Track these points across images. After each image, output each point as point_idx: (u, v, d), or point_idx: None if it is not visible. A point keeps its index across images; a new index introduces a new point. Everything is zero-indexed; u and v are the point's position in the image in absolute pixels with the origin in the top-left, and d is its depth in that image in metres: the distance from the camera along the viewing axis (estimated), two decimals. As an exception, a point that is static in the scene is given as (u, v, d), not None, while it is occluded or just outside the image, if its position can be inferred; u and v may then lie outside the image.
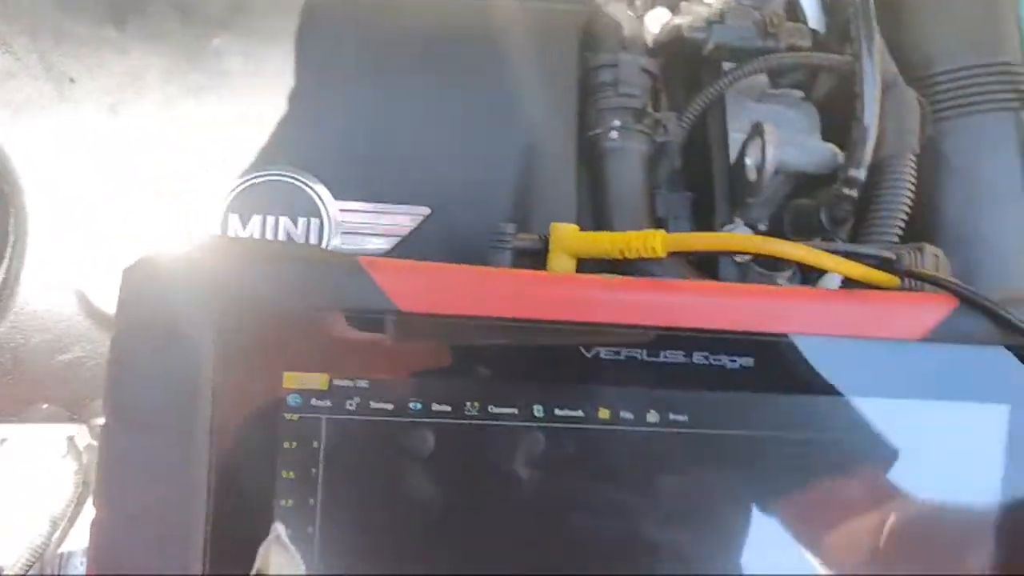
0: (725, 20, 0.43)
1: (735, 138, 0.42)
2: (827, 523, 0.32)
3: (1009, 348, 0.32)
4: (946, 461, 0.32)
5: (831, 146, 0.43)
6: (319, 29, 0.37)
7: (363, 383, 0.30)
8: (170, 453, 0.29)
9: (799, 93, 0.45)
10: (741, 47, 0.43)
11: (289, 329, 0.30)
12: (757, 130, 0.38)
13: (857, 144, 0.36)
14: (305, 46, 0.36)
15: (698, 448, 0.31)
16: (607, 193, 0.39)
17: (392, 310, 0.30)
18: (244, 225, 0.36)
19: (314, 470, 0.30)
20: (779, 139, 0.43)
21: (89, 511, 0.32)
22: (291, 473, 0.30)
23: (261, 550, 0.30)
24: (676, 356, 0.31)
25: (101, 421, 0.30)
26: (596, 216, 0.39)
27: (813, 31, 0.45)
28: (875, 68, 0.36)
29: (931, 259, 0.34)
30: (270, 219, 0.36)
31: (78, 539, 0.41)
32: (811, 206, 0.39)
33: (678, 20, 0.44)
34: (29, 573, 0.42)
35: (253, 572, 0.29)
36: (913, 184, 0.38)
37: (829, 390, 0.32)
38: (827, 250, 0.32)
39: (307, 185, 0.36)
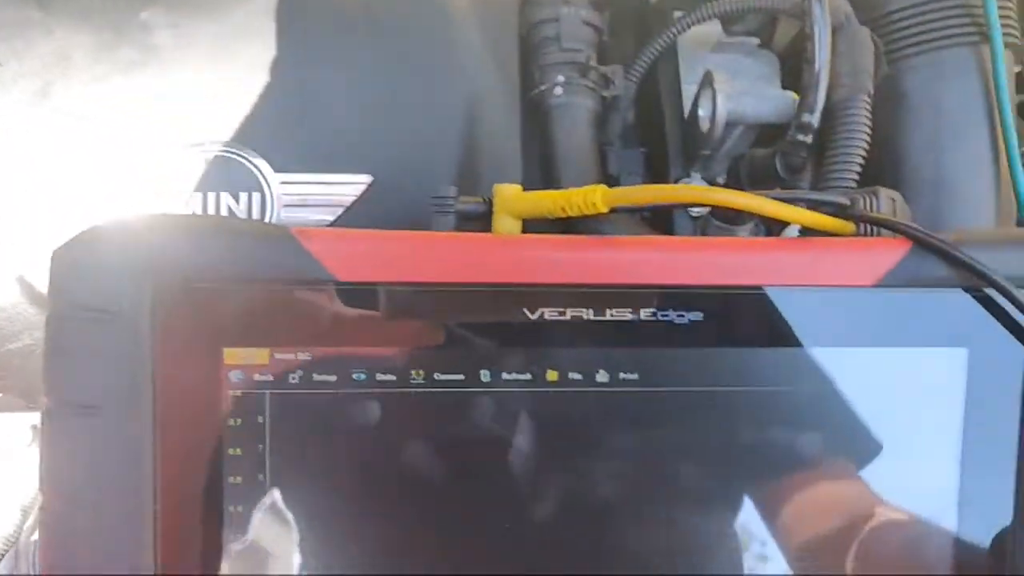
0: (670, -33, 0.42)
1: (690, 90, 0.41)
2: (784, 477, 0.32)
3: (966, 290, 0.31)
4: (904, 409, 0.32)
5: (791, 94, 0.42)
6: None
7: (305, 356, 0.30)
8: (113, 436, 0.29)
9: (755, 41, 0.43)
10: None
11: (226, 305, 0.29)
12: (707, 80, 0.37)
13: (809, 88, 0.35)
14: (235, 16, 0.35)
15: (650, 406, 0.31)
16: (554, 151, 0.38)
17: (328, 280, 0.29)
18: (184, 203, 0.35)
19: (261, 446, 0.30)
20: (736, 88, 0.42)
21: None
22: (238, 450, 0.30)
23: (256, 516, 0.30)
24: (623, 314, 0.30)
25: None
26: (544, 176, 0.39)
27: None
28: (824, 9, 0.35)
29: (887, 203, 0.33)
30: (211, 195, 0.35)
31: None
32: (767, 155, 0.38)
33: (622, -31, 0.43)
34: (3, 561, 0.42)
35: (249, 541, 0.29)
36: (869, 126, 0.37)
37: (781, 341, 0.31)
38: (779, 198, 0.31)
39: (246, 159, 0.35)
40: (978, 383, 0.31)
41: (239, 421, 0.30)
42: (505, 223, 0.32)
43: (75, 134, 0.35)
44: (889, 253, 0.31)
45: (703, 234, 0.40)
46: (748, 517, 0.32)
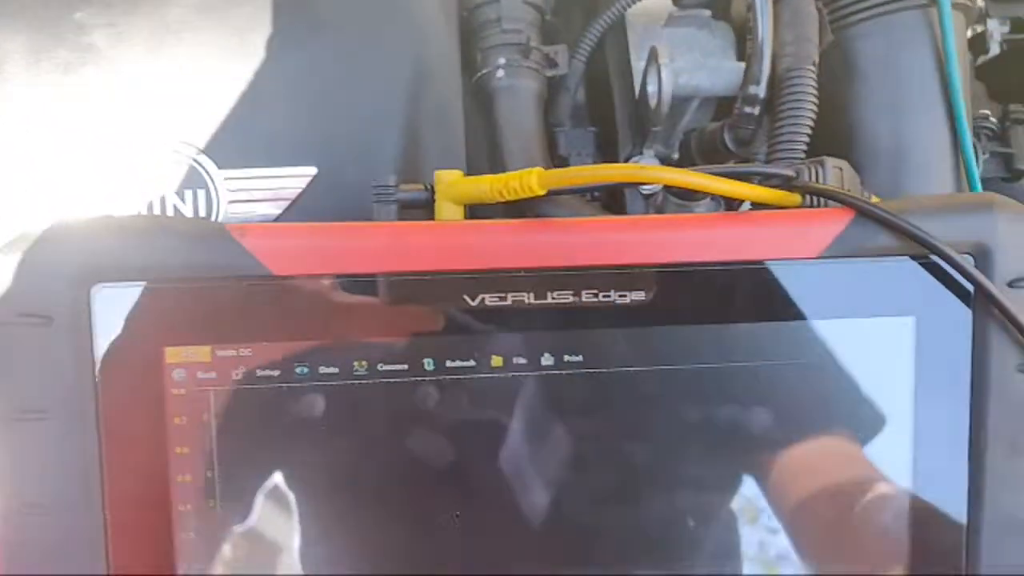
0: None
1: (641, 67, 0.41)
2: (733, 454, 0.31)
3: (911, 258, 0.31)
4: (854, 381, 0.31)
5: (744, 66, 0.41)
6: None
7: (247, 352, 0.30)
8: (59, 440, 0.29)
9: (707, 13, 0.43)
10: None
11: (165, 304, 0.29)
12: (652, 56, 0.36)
13: (753, 59, 0.34)
14: (171, 12, 0.35)
15: (597, 387, 0.31)
16: (499, 135, 0.38)
17: (265, 275, 0.29)
18: (127, 204, 0.35)
19: (208, 443, 0.30)
20: (688, 63, 0.41)
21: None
22: (185, 448, 0.30)
23: (259, 497, 0.30)
24: (564, 296, 0.30)
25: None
26: (491, 161, 0.38)
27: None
28: (766, -23, 0.34)
29: (834, 172, 0.33)
30: (155, 195, 0.35)
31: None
32: (716, 129, 0.37)
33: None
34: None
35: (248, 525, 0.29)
36: (815, 96, 0.36)
37: (724, 318, 0.31)
38: (721, 172, 0.31)
39: (189, 157, 0.35)
40: (927, 351, 0.31)
41: (184, 420, 0.30)
42: (447, 210, 0.32)
43: (13, 137, 0.34)
44: (832, 224, 0.31)
45: (660, 211, 0.40)
46: (697, 496, 0.31)
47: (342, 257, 0.29)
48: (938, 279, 0.31)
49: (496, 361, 0.30)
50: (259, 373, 0.30)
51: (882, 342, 0.31)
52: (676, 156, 0.41)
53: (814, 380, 0.32)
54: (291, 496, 0.30)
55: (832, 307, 0.31)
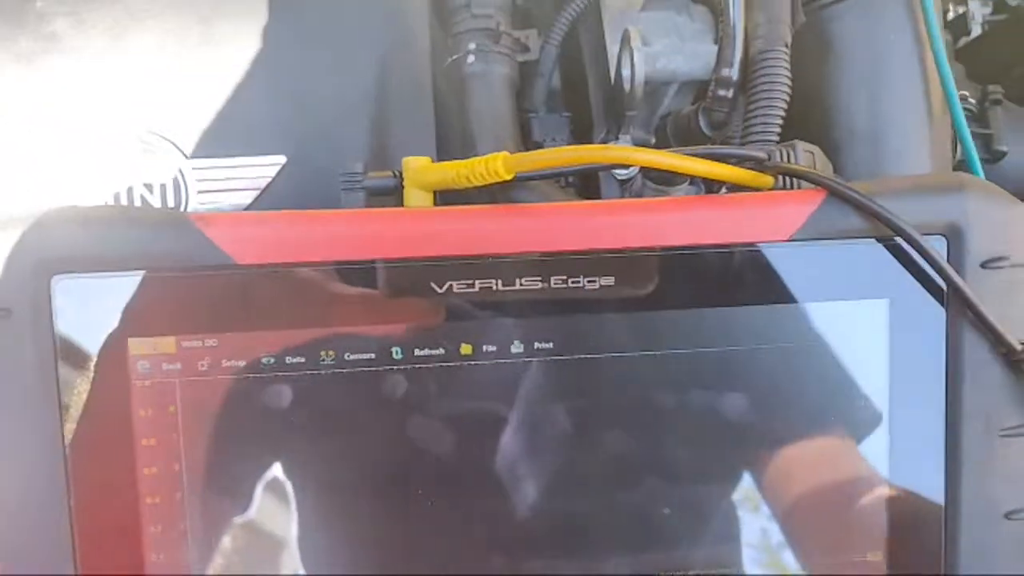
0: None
1: (616, 51, 0.40)
2: (707, 440, 0.31)
3: (883, 240, 0.30)
4: (828, 365, 0.31)
5: (722, 49, 0.41)
6: None
7: (212, 342, 0.30)
8: (22, 435, 0.29)
9: (684, -5, 0.42)
10: None
11: (128, 294, 0.29)
12: (625, 39, 0.36)
13: (725, 41, 0.34)
14: (133, -1, 0.34)
15: (568, 374, 0.31)
16: (470, 121, 0.38)
17: (229, 264, 0.29)
18: (96, 195, 0.34)
19: (175, 435, 0.30)
20: (666, 47, 0.41)
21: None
22: (152, 440, 0.30)
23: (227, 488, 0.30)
24: (533, 283, 0.30)
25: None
26: (462, 147, 0.38)
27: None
28: (737, -42, 0.34)
29: (805, 156, 0.32)
30: (123, 186, 0.35)
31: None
32: (690, 112, 0.37)
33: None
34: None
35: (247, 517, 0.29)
36: (789, 78, 0.36)
37: (694, 302, 0.30)
38: (694, 154, 0.31)
39: (157, 147, 0.35)
40: (901, 334, 0.31)
41: (150, 411, 0.29)
42: (415, 196, 0.32)
43: (-22, 129, 0.34)
44: (802, 206, 0.30)
45: (637, 196, 0.39)
46: (672, 483, 0.31)
47: (307, 246, 0.29)
48: (911, 261, 0.30)
49: (465, 349, 0.30)
50: (225, 364, 0.29)
51: (856, 325, 0.31)
52: (653, 141, 0.40)
53: (787, 364, 0.31)
54: (259, 485, 0.30)
55: (805, 290, 0.31)
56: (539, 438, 0.31)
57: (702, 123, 0.36)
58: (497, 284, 0.30)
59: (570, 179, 0.37)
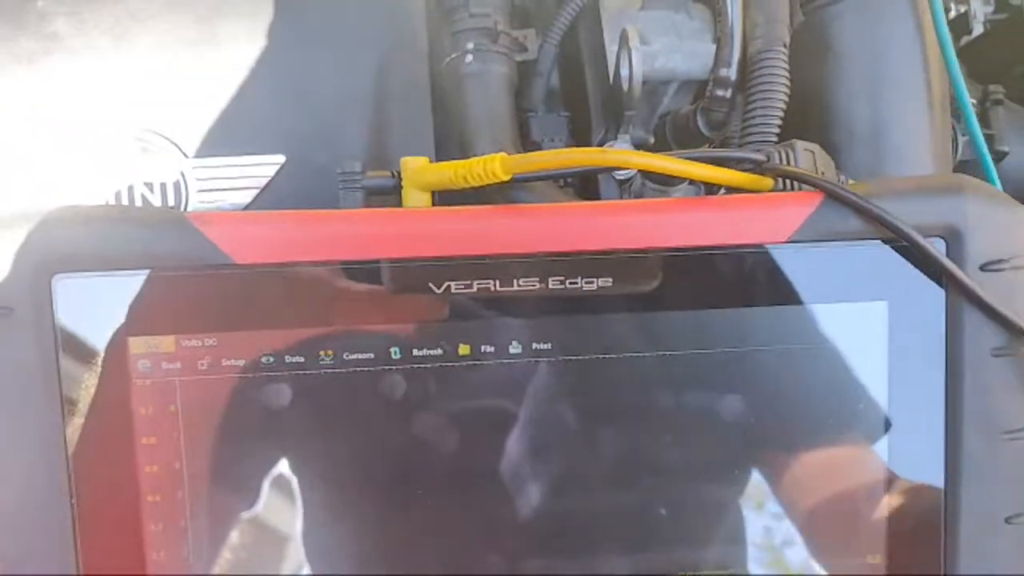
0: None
1: (615, 51, 0.40)
2: (706, 441, 0.31)
3: (884, 242, 0.30)
4: (828, 367, 0.31)
5: (719, 48, 0.41)
6: None
7: (211, 341, 0.30)
8: (24, 435, 0.29)
9: (685, -6, 0.42)
10: None
11: (128, 294, 0.29)
12: (623, 39, 0.36)
13: (723, 41, 0.34)
14: (132, -1, 0.34)
15: (566, 374, 0.31)
16: (468, 121, 0.38)
17: (227, 264, 0.29)
18: (96, 194, 0.34)
19: (175, 433, 0.30)
20: (664, 46, 0.41)
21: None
22: (152, 439, 0.30)
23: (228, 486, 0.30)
24: (530, 283, 0.30)
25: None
26: (462, 146, 0.38)
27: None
28: (736, -42, 0.33)
29: (805, 156, 0.32)
30: (123, 185, 0.35)
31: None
32: (688, 113, 0.37)
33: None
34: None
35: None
36: (787, 78, 0.36)
37: (693, 304, 0.30)
38: (692, 157, 0.31)
39: (158, 147, 0.35)
40: (900, 336, 0.31)
41: (151, 410, 0.30)
42: (414, 196, 0.32)
43: (-21, 129, 0.34)
44: (801, 208, 0.30)
45: (636, 196, 0.39)
46: (668, 484, 0.31)
47: (305, 245, 0.29)
48: (910, 263, 0.30)
49: (463, 349, 0.30)
50: (224, 363, 0.30)
51: (855, 327, 0.31)
52: (652, 141, 0.41)
53: (786, 366, 0.31)
54: (260, 484, 0.30)
55: (803, 292, 0.31)
56: (538, 438, 0.31)
57: (701, 123, 0.36)
58: (495, 284, 0.30)
59: (569, 180, 0.38)
